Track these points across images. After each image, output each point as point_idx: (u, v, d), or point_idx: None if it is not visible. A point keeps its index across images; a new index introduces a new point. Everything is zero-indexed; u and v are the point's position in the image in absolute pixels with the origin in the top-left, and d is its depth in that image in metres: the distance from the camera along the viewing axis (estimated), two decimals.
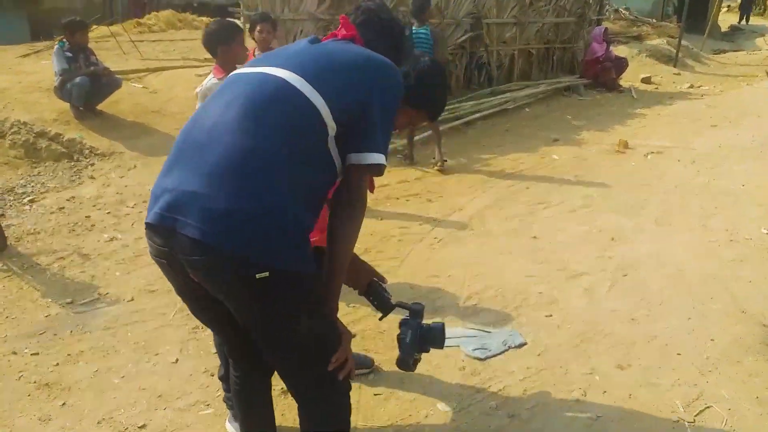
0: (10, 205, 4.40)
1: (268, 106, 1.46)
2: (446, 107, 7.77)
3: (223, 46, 3.11)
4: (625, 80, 11.30)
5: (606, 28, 10.87)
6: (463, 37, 8.71)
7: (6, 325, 2.98)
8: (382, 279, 2.15)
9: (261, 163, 1.40)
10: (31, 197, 4.49)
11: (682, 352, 2.77)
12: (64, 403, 2.42)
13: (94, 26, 11.66)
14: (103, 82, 5.57)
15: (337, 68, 1.56)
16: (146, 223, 1.46)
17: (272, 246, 1.39)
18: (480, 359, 2.73)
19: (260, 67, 1.55)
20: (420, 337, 1.96)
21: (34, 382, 2.55)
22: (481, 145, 6.99)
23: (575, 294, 3.34)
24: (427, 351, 2.00)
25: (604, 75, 10.54)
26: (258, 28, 4.20)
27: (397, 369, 1.99)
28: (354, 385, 2.51)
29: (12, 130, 5.20)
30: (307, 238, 1.48)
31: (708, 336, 2.90)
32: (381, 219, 4.51)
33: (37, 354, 2.75)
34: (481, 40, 9.00)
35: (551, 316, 3.10)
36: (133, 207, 4.48)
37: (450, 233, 4.23)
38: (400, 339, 1.96)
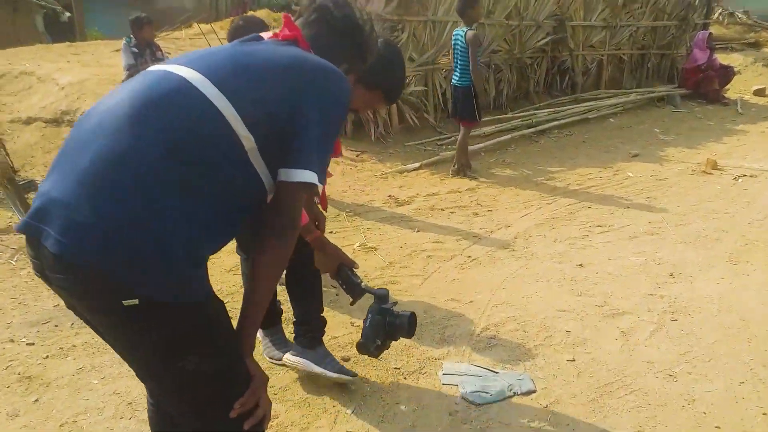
0: None
1: (158, 107, 1.26)
2: (520, 114, 7.47)
3: None
4: (733, 92, 10.31)
5: (710, 33, 9.93)
6: (544, 40, 8.21)
7: (16, 311, 3.03)
8: (352, 263, 2.13)
9: (138, 170, 1.19)
10: None
11: (722, 426, 2.33)
12: (37, 400, 2.39)
13: (197, 24, 12.21)
14: None
15: (259, 72, 1.35)
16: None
17: (146, 270, 1.18)
18: (476, 404, 2.43)
19: (167, 65, 1.37)
20: (386, 324, 1.97)
21: (19, 374, 2.54)
22: (551, 157, 6.55)
23: (609, 336, 2.94)
24: (395, 339, 2.02)
25: (705, 85, 9.65)
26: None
27: (381, 405, 2.05)
28: (328, 419, 2.32)
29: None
30: (201, 264, 1.29)
31: (761, 409, 2.43)
32: (417, 231, 4.26)
33: (33, 344, 2.76)
34: (564, 44, 8.45)
35: (573, 360, 2.73)
36: None
37: (486, 252, 3.91)
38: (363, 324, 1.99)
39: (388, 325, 1.96)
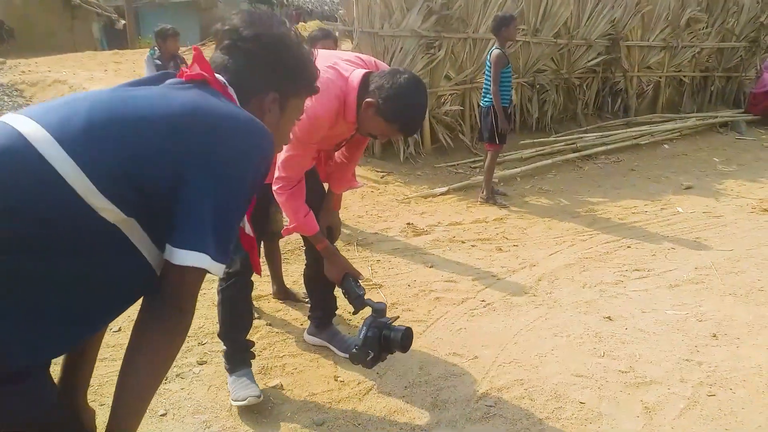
0: None
1: None
2: (564, 137, 7.03)
3: None
4: None
5: None
6: (595, 60, 7.72)
7: None
8: (357, 274, 2.36)
9: None
10: None
11: None
12: None
13: None
14: None
15: (132, 128, 1.07)
16: None
17: None
18: None
19: (12, 114, 1.11)
20: (381, 337, 2.08)
21: None
22: (594, 185, 6.09)
23: (630, 412, 2.52)
24: (391, 352, 2.14)
25: None
26: (319, 45, 3.83)
27: None
28: None
29: None
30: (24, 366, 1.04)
31: None
32: (430, 266, 3.93)
33: None
34: (617, 64, 7.94)
35: None
36: None
37: (503, 297, 3.53)
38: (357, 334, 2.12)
39: (383, 338, 2.08)
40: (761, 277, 3.90)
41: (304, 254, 2.88)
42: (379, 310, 2.12)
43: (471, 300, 3.48)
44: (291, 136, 1.99)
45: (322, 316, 2.87)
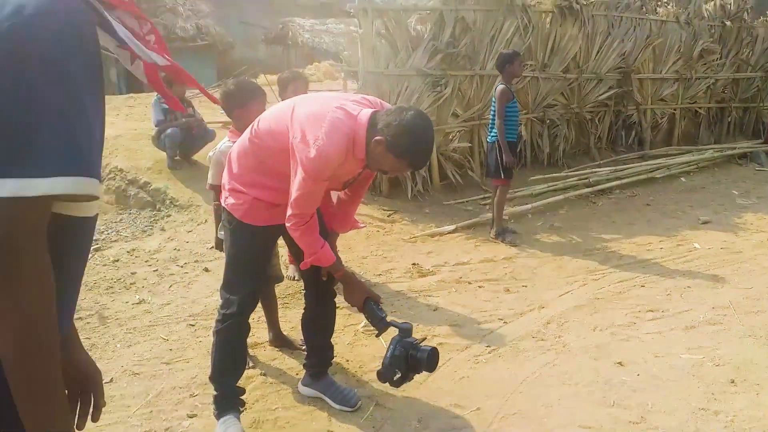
0: None
1: None
2: (576, 172, 6.91)
3: (239, 109, 2.90)
4: None
5: None
6: (606, 94, 7.66)
7: None
8: (378, 298, 2.40)
9: None
10: (97, 245, 4.53)
11: None
12: None
13: (264, 75, 12.49)
14: (194, 134, 5.61)
15: None
16: None
17: None
18: None
19: None
20: (408, 357, 2.10)
21: None
22: (607, 221, 5.95)
23: None
24: (418, 372, 2.16)
25: None
26: (290, 88, 3.81)
27: None
28: None
29: (109, 176, 5.41)
30: None
31: None
32: (435, 310, 3.81)
33: None
34: (630, 98, 7.87)
35: None
36: (182, 266, 4.30)
37: (510, 342, 3.40)
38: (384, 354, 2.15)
39: (410, 358, 2.10)
40: None
41: (303, 298, 2.81)
42: (405, 330, 2.16)
43: (476, 346, 3.35)
44: (303, 174, 2.13)
45: (318, 365, 2.80)
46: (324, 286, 2.64)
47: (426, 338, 2.31)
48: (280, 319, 3.34)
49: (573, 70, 7.31)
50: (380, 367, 2.13)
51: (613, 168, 7.42)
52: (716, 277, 4.43)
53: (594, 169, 7.33)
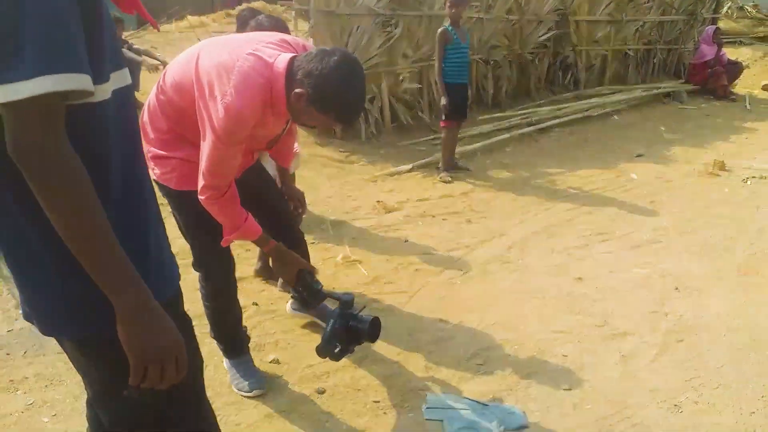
0: None
1: None
2: (519, 112, 7.20)
3: None
4: (741, 87, 10.03)
5: (717, 28, 9.65)
6: (546, 36, 7.93)
7: None
8: (312, 269, 2.18)
9: None
10: None
11: None
12: None
13: (189, 17, 11.94)
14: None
15: None
16: None
17: None
18: None
19: None
20: (348, 328, 1.99)
21: None
22: (551, 157, 6.30)
23: (609, 361, 2.70)
24: (359, 343, 2.05)
25: (713, 81, 9.38)
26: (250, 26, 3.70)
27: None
28: None
29: None
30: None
31: None
32: (406, 241, 4.02)
33: None
34: (567, 39, 8.18)
35: (570, 389, 2.50)
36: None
37: (479, 265, 3.67)
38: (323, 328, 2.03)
39: (350, 329, 1.99)
40: (712, 234, 4.18)
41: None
42: (346, 302, 2.02)
43: (448, 270, 3.60)
44: (212, 136, 1.80)
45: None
46: (291, 234, 2.48)
47: (365, 307, 2.16)
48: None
49: (516, 11, 7.51)
50: (320, 343, 2.00)
51: (552, 107, 7.77)
52: (653, 203, 4.86)
53: (535, 109, 7.65)
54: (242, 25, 3.55)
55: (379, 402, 2.41)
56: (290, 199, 2.61)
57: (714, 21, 10.44)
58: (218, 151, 1.84)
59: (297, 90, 1.79)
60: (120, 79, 1.12)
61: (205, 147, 1.86)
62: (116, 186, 1.09)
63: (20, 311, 1.20)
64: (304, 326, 2.93)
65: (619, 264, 3.70)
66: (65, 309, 1.10)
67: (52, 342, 2.71)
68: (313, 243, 3.94)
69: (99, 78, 1.02)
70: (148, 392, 1.11)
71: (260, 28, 2.87)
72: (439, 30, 5.14)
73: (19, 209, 1.03)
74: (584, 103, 8.06)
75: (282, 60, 1.84)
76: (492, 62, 7.52)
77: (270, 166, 2.73)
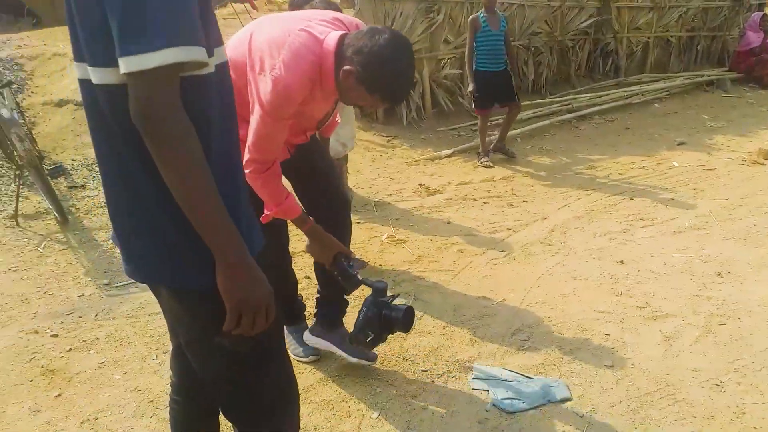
0: (93, 177, 4.55)
1: None
2: (559, 99, 7.20)
3: None
4: None
5: (764, 14, 9.40)
6: (587, 22, 7.87)
7: (41, 301, 3.02)
8: (349, 254, 2.11)
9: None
10: None
11: None
12: (59, 395, 2.36)
13: (231, 5, 12.12)
14: None
15: None
16: None
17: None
18: (507, 412, 2.30)
19: None
20: (381, 316, 1.95)
21: (42, 367, 2.52)
22: (591, 144, 6.30)
23: (651, 341, 2.76)
24: (392, 332, 2.00)
25: (758, 69, 9.18)
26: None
27: (408, 410, 2.12)
28: (352, 424, 2.23)
29: None
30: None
31: None
32: (448, 222, 4.12)
33: (56, 336, 2.74)
34: (608, 26, 8.10)
35: (612, 366, 2.58)
36: None
37: (521, 247, 3.74)
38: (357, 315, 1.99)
39: (383, 317, 1.95)
40: (756, 222, 4.16)
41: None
42: (379, 290, 1.97)
43: (491, 251, 3.68)
44: (260, 111, 1.81)
45: (330, 314, 2.54)
46: (337, 218, 2.40)
47: (398, 295, 2.09)
48: None
49: None
50: (352, 330, 1.99)
51: (593, 95, 7.73)
52: (695, 190, 4.85)
53: (575, 96, 7.62)
54: (296, 8, 3.67)
55: (426, 371, 2.53)
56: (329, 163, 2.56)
57: (761, 7, 10.17)
58: (265, 126, 1.83)
59: (346, 67, 1.77)
60: (221, 54, 1.24)
61: (253, 121, 1.86)
62: (216, 151, 1.20)
63: (123, 268, 1.33)
64: (354, 299, 3.05)
65: (661, 249, 3.73)
66: (170, 260, 1.22)
67: (120, 307, 2.93)
68: (358, 223, 4.07)
69: (207, 52, 1.14)
70: (236, 339, 1.23)
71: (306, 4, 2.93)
72: (470, 17, 5.20)
73: (139, 173, 1.15)
74: (625, 91, 7.99)
75: (332, 37, 1.83)
76: (532, 48, 7.51)
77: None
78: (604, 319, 2.93)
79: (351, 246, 3.58)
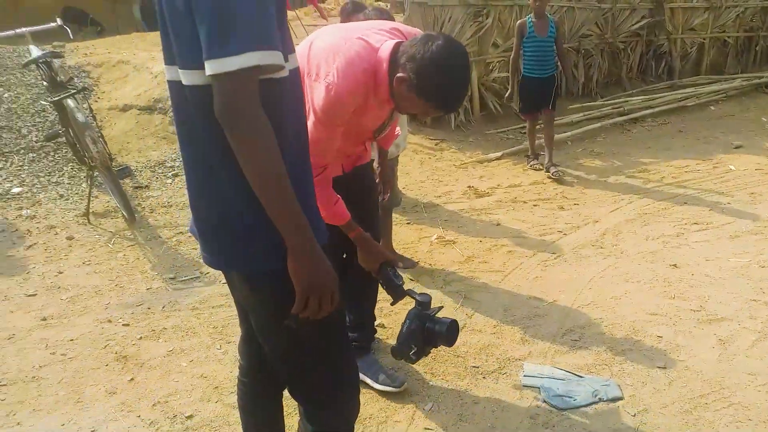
0: (156, 178, 4.78)
1: None
2: (610, 101, 7.11)
3: None
4: None
5: None
6: (639, 24, 7.76)
7: (113, 293, 3.21)
8: (395, 263, 2.06)
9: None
10: (175, 171, 4.84)
11: None
12: (132, 379, 2.53)
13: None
14: None
15: None
16: None
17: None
18: (558, 409, 2.34)
19: None
20: (425, 330, 1.91)
21: (115, 353, 2.70)
22: (644, 147, 6.21)
23: (706, 344, 2.75)
24: (435, 345, 1.96)
25: None
26: (353, 18, 3.84)
27: (459, 403, 2.17)
28: (405, 414, 2.31)
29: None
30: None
31: None
32: (498, 224, 4.16)
33: (128, 325, 2.92)
34: (661, 27, 7.96)
35: (665, 367, 2.58)
36: None
37: (572, 250, 3.75)
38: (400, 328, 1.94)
39: (426, 331, 1.91)
40: None
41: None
42: (423, 302, 1.94)
43: (541, 253, 3.71)
44: (313, 117, 1.84)
45: (360, 338, 2.57)
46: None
47: (442, 308, 2.03)
48: None
49: None
50: (395, 344, 1.95)
51: (645, 97, 7.60)
52: (753, 194, 4.74)
53: (626, 99, 7.52)
54: (347, 18, 3.72)
55: (478, 367, 2.59)
56: (381, 178, 2.61)
57: None
58: (316, 131, 1.82)
59: (399, 74, 1.75)
60: (293, 60, 1.35)
61: (308, 126, 1.89)
62: (289, 149, 1.30)
63: (201, 257, 1.45)
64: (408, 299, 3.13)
65: (717, 253, 3.68)
66: (245, 246, 1.32)
67: (185, 299, 3.10)
68: (408, 224, 4.16)
69: (283, 57, 1.25)
70: (304, 323, 1.33)
71: (368, 19, 2.90)
72: (518, 22, 5.23)
73: (218, 165, 1.27)
74: (679, 93, 7.82)
75: (388, 45, 1.83)
76: (582, 51, 7.45)
77: (372, 148, 2.85)
78: (657, 322, 2.92)
79: (401, 246, 3.70)
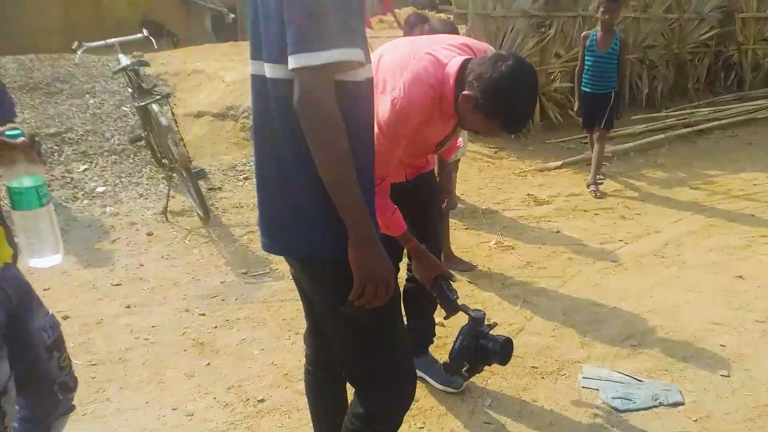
0: (228, 180, 5.04)
1: None
2: (675, 113, 6.98)
3: None
4: None
5: None
6: (708, 34, 7.59)
7: (190, 285, 3.44)
8: (449, 276, 2.05)
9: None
10: (246, 175, 5.10)
11: None
12: (208, 364, 2.72)
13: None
14: None
15: None
16: None
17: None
18: (617, 410, 2.38)
19: None
20: (478, 347, 1.91)
21: (193, 340, 2.90)
22: (710, 159, 6.08)
23: None
24: (489, 363, 1.96)
25: None
26: (417, 30, 3.92)
27: (518, 401, 2.24)
28: (466, 408, 2.40)
29: (243, 114, 5.95)
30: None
31: None
32: (557, 232, 4.19)
33: (204, 315, 3.12)
34: (731, 38, 7.76)
35: (728, 375, 2.57)
36: None
37: (633, 258, 3.75)
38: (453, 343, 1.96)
39: (479, 348, 1.89)
40: None
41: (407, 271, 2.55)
42: (477, 319, 1.93)
43: (601, 261, 3.72)
44: (377, 129, 1.85)
45: (419, 343, 2.59)
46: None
47: (496, 324, 2.03)
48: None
49: (675, 9, 7.28)
50: (447, 359, 1.95)
51: (713, 109, 7.42)
52: None
53: (693, 110, 7.36)
54: (410, 30, 3.79)
55: (536, 368, 2.65)
56: (441, 187, 2.64)
57: None
58: (379, 144, 1.77)
59: (465, 92, 1.76)
60: (369, 70, 1.45)
61: None
62: (357, 149, 1.37)
63: (261, 244, 1.54)
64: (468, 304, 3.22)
65: None
66: (308, 233, 1.41)
67: (256, 293, 3.29)
68: (466, 229, 4.24)
69: None
70: (359, 310, 1.40)
71: (433, 32, 2.97)
72: (583, 33, 5.24)
73: (289, 153, 1.38)
74: (749, 105, 7.59)
75: (456, 61, 1.83)
76: (647, 62, 7.35)
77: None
78: (720, 330, 2.91)
79: (459, 250, 3.78)
